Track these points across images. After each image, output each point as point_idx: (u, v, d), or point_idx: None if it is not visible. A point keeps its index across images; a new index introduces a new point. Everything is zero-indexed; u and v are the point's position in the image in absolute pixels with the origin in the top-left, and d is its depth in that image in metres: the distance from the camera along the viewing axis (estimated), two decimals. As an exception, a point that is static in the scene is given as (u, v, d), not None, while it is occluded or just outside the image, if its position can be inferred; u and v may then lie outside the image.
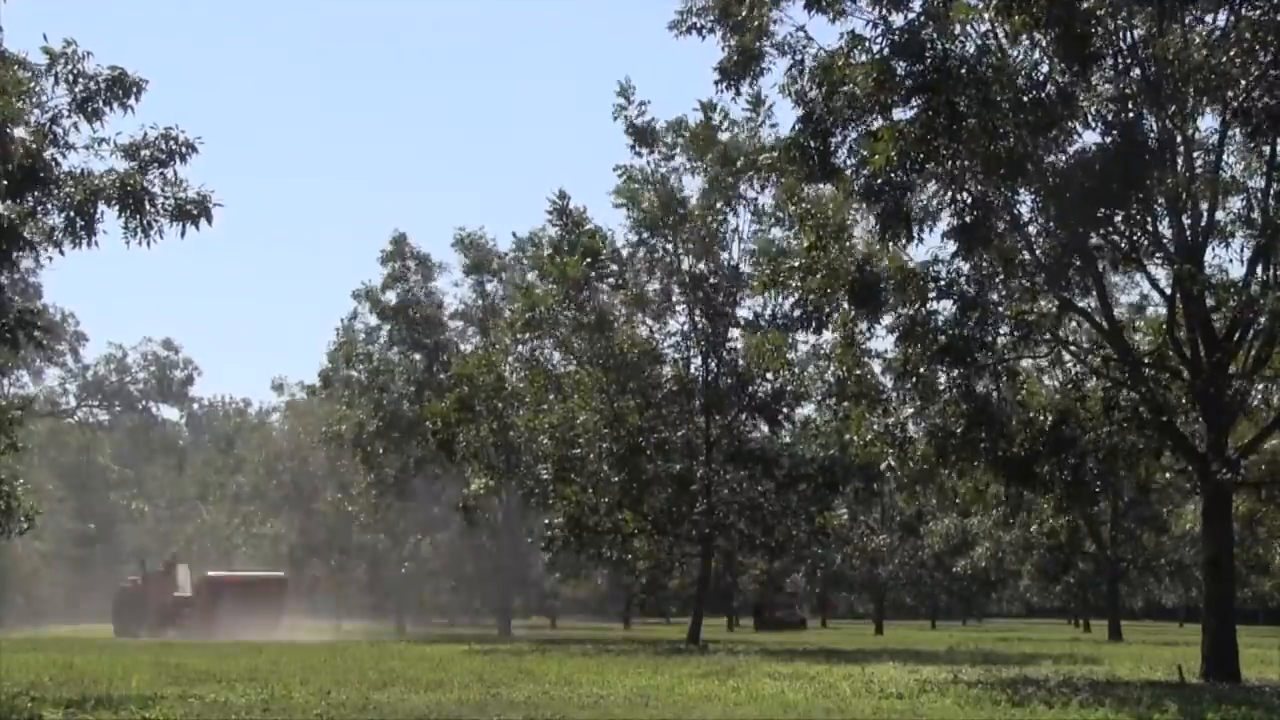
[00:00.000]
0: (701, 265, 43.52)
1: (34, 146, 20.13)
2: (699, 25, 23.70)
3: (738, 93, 24.59)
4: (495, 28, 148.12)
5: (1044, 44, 21.47)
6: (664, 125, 42.54)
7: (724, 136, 42.06)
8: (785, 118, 62.59)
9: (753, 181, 42.00)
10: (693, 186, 43.31)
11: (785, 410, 43.53)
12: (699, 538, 41.98)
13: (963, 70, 20.91)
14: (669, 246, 43.68)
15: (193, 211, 20.41)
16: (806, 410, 45.13)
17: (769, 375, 41.72)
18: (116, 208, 20.16)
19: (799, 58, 22.96)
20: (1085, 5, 20.91)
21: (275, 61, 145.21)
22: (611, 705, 17.05)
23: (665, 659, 27.97)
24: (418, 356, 60.03)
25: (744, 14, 23.08)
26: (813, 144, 22.21)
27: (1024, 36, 21.63)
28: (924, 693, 19.06)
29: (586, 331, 43.41)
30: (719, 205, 42.81)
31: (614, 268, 43.97)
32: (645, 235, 43.62)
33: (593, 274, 43.28)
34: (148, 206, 20.17)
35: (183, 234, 20.50)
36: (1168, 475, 26.21)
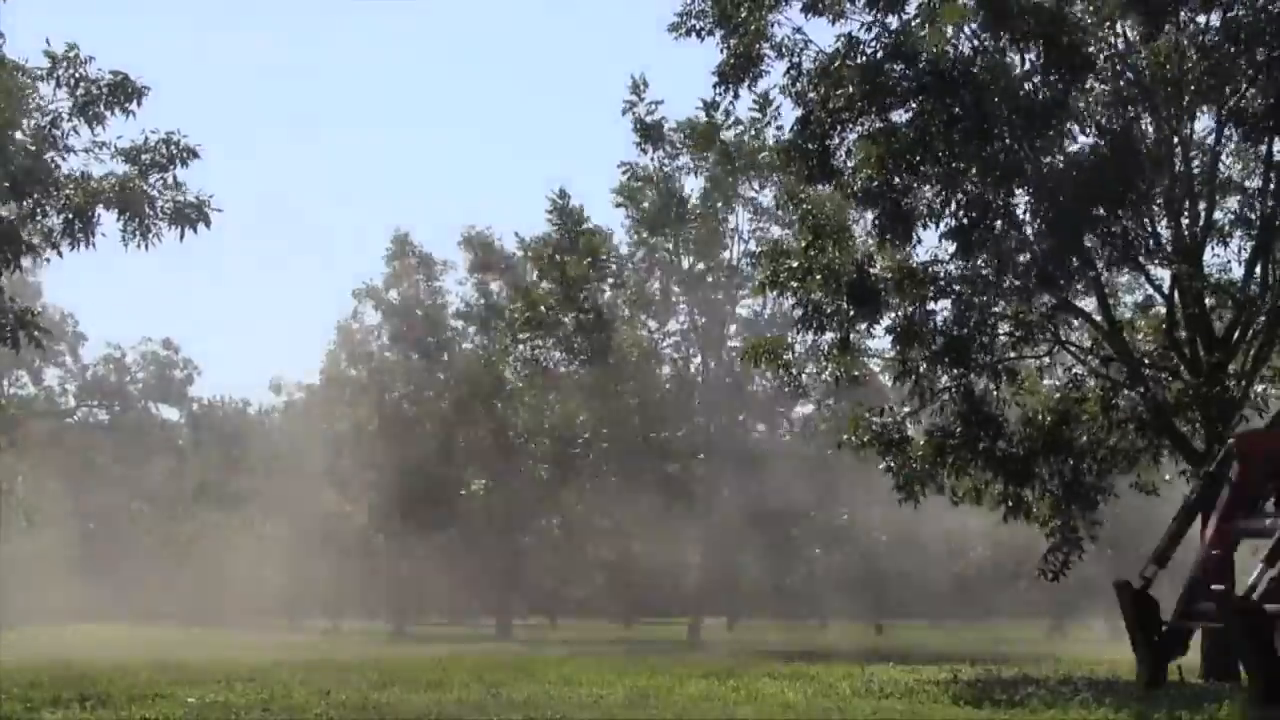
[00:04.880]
0: (701, 265, 43.58)
1: (34, 149, 20.17)
2: (698, 28, 23.57)
3: (736, 95, 24.50)
4: (497, 25, 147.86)
5: (1033, 55, 21.56)
6: (672, 125, 42.62)
7: (727, 135, 42.13)
8: (787, 118, 62.65)
9: (752, 181, 42.10)
10: (695, 186, 43.43)
11: (783, 410, 43.62)
12: (698, 537, 42.08)
13: (956, 73, 20.97)
14: (669, 246, 43.75)
15: (191, 216, 20.51)
16: (805, 410, 45.21)
17: (767, 375, 41.78)
18: (115, 211, 20.25)
19: (797, 60, 22.91)
20: (1072, 18, 20.98)
21: (277, 59, 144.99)
22: (611, 705, 17.07)
23: (665, 658, 27.99)
24: (416, 356, 60.05)
25: (742, 16, 23.01)
26: (811, 146, 22.25)
27: (1012, 51, 21.71)
28: (923, 693, 19.09)
29: (586, 331, 43.48)
30: (719, 205, 42.88)
31: (614, 267, 44.06)
32: (646, 235, 43.68)
33: (592, 273, 43.35)
34: (146, 210, 20.25)
35: (181, 238, 20.62)
36: (1167, 476, 26.21)
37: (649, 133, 42.60)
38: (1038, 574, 24.71)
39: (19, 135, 20.13)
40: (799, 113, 22.67)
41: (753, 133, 41.54)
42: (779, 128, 38.68)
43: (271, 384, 74.11)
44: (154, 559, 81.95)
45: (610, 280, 44.10)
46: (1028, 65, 21.84)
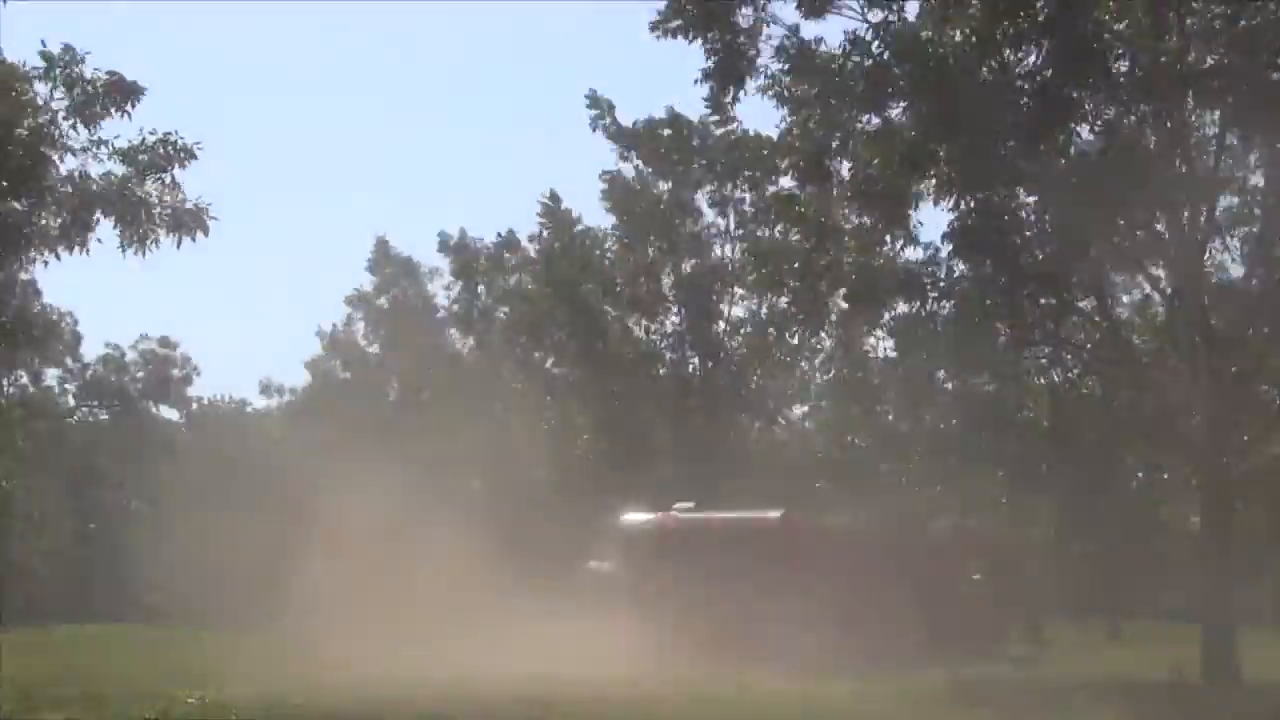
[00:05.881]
0: (693, 265, 43.49)
1: (33, 148, 20.09)
2: (681, 27, 23.11)
3: (734, 99, 24.21)
4: (489, 26, 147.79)
5: (1045, 46, 21.43)
6: (648, 127, 42.42)
7: (717, 134, 42.03)
8: (771, 116, 62.30)
9: (741, 183, 41.98)
10: (681, 189, 43.30)
11: (782, 410, 43.55)
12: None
13: (960, 72, 20.93)
14: (661, 246, 43.66)
15: (189, 224, 20.41)
16: (804, 410, 45.14)
17: (765, 375, 41.77)
18: (113, 216, 20.16)
19: (790, 63, 22.71)
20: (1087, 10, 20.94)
21: (273, 60, 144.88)
22: (612, 705, 17.04)
23: (666, 658, 27.90)
24: (409, 359, 60.02)
25: (727, 17, 22.70)
26: (808, 148, 22.17)
27: (1027, 42, 21.58)
28: (923, 693, 19.06)
29: (580, 333, 43.43)
30: (707, 206, 42.89)
31: (607, 264, 43.96)
32: (635, 237, 43.60)
33: (583, 274, 43.32)
34: (144, 216, 20.16)
35: (178, 245, 20.50)
36: (1166, 475, 26.20)
37: (624, 140, 42.49)
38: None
39: (16, 132, 20.02)
40: (794, 114, 22.55)
41: (723, 133, 41.40)
42: (744, 129, 38.48)
43: (261, 386, 74.02)
44: (154, 559, 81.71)
45: (603, 282, 44.06)
46: (1037, 56, 21.72)
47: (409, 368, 59.29)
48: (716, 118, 40.17)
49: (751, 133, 37.22)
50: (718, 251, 43.56)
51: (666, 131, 41.52)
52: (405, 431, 55.92)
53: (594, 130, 42.32)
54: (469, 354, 54.67)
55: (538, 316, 43.84)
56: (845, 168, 22.57)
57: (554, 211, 44.36)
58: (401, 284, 60.31)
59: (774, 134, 24.05)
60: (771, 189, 37.56)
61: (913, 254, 23.34)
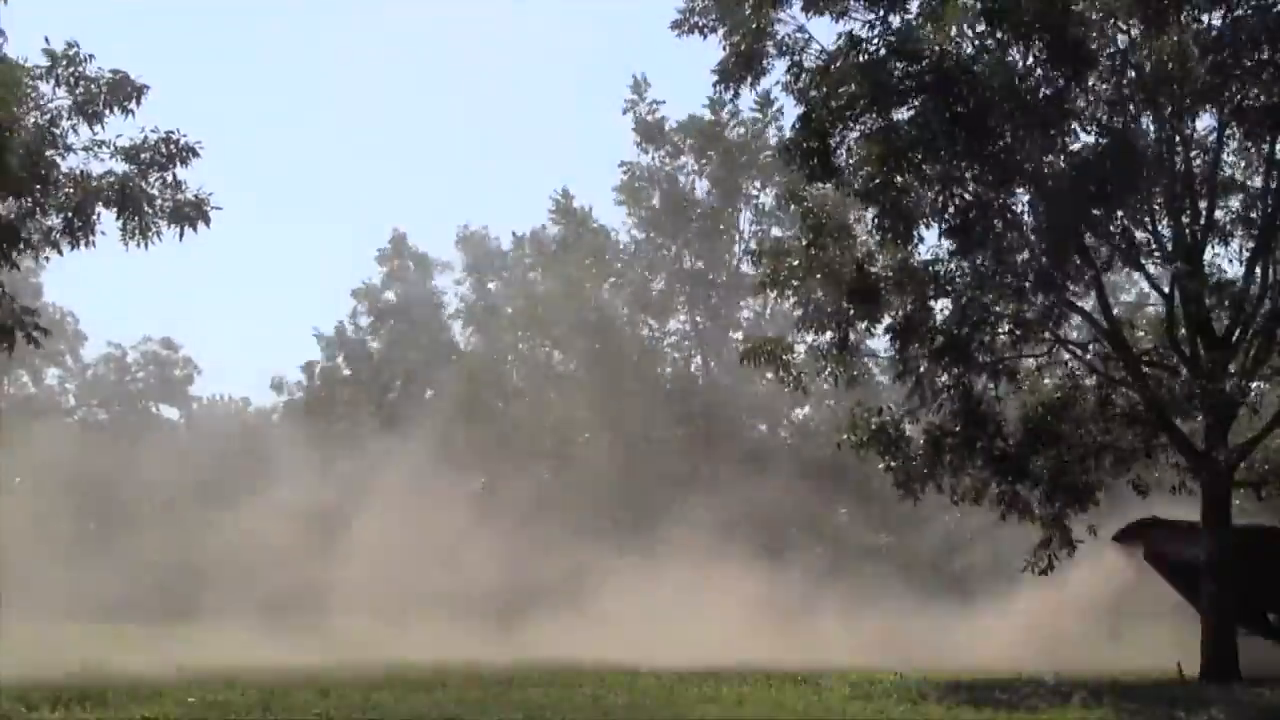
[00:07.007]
0: (703, 264, 43.57)
1: (33, 147, 20.11)
2: (700, 25, 23.53)
3: (737, 94, 24.52)
4: (495, 21, 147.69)
5: (1036, 50, 21.51)
6: (673, 124, 42.58)
7: (730, 135, 42.14)
8: (789, 116, 62.52)
9: (754, 180, 42.07)
10: (699, 185, 43.43)
11: (785, 409, 43.59)
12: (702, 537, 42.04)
13: (958, 71, 20.96)
14: (672, 245, 43.73)
15: (190, 214, 20.47)
16: (805, 409, 45.15)
17: (768, 375, 41.81)
18: (115, 210, 20.22)
19: (797, 59, 22.87)
20: (1076, 9, 20.95)
21: (273, 59, 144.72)
22: (611, 705, 17.06)
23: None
24: (413, 354, 60.04)
25: (745, 13, 22.95)
26: (812, 144, 22.23)
27: (1017, 44, 21.64)
28: (923, 693, 19.07)
29: (588, 330, 43.50)
30: (724, 204, 42.92)
31: (618, 265, 44.03)
32: (649, 233, 43.67)
33: (594, 272, 43.40)
34: (145, 209, 20.22)
35: (180, 236, 20.56)
36: (1156, 474, 26.16)
37: (649, 132, 42.61)
38: (1024, 568, 24.69)
39: (19, 135, 20.05)
40: (801, 110, 22.67)
41: (753, 134, 41.53)
42: (779, 127, 38.63)
43: (273, 382, 73.69)
44: (154, 559, 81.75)
45: (612, 279, 44.10)
46: (1030, 60, 21.80)
47: (415, 363, 59.32)
48: (729, 113, 40.44)
49: (771, 130, 37.34)
50: (733, 251, 43.70)
51: (707, 116, 41.48)
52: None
53: (624, 113, 42.38)
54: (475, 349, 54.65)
55: (543, 313, 43.91)
56: (850, 165, 22.63)
57: (566, 208, 44.43)
58: (411, 279, 60.30)
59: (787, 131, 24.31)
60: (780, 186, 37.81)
61: (913, 252, 23.43)
